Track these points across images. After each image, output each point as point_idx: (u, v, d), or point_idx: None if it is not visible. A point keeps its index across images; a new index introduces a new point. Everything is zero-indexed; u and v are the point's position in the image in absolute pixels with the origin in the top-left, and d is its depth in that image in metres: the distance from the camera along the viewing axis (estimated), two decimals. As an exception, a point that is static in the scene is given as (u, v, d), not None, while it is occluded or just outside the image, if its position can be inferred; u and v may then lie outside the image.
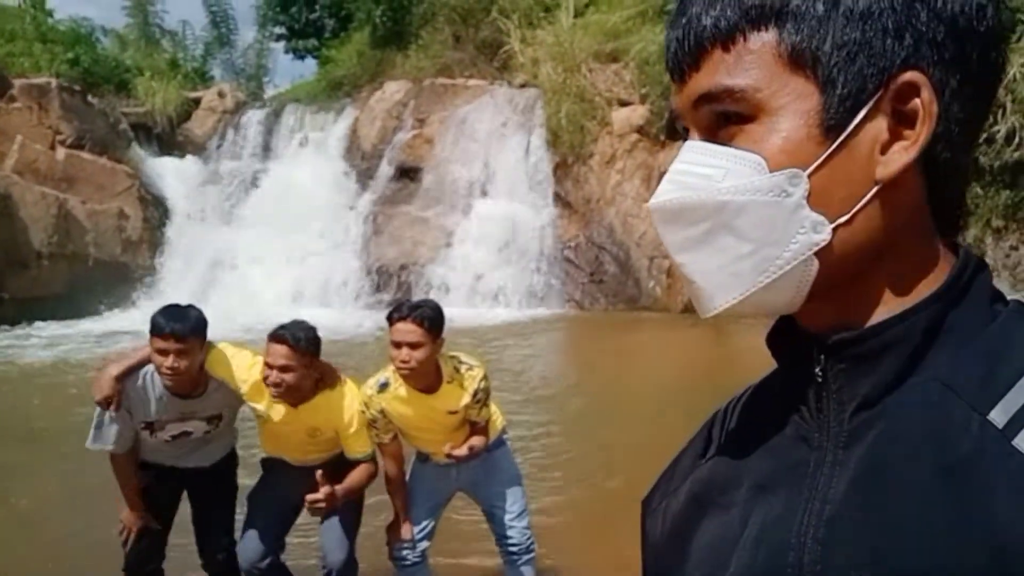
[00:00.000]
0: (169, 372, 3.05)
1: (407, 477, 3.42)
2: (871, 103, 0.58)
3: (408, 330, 3.02)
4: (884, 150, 0.58)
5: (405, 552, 3.34)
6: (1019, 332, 0.58)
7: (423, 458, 3.45)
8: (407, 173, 14.22)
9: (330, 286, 13.15)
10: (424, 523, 3.39)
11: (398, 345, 3.04)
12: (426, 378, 3.14)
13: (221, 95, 17.46)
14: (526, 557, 3.45)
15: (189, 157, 15.95)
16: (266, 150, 15.89)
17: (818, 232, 0.58)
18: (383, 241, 13.52)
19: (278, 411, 3.27)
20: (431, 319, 3.06)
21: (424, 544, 3.39)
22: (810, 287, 0.60)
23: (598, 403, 7.41)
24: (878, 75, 0.57)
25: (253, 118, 16.52)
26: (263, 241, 13.55)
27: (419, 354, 3.02)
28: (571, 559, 4.09)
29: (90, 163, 13.84)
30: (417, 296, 11.72)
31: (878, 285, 0.61)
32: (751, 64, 0.59)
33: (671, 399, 7.30)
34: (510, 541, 3.42)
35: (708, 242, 0.60)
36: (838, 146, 0.58)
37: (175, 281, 13.50)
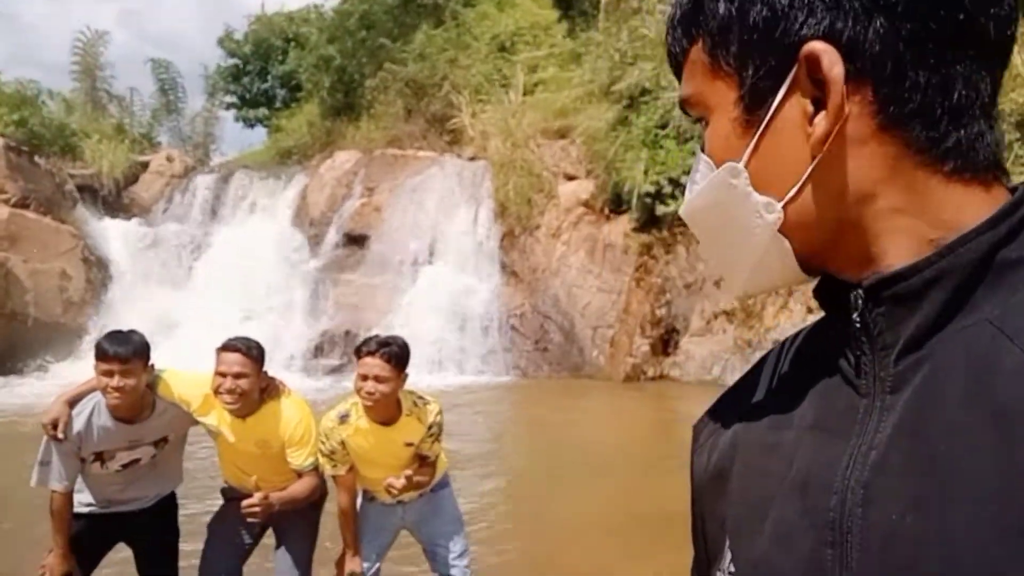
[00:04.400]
0: (115, 392, 3.12)
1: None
2: (787, 82, 0.59)
3: (375, 364, 3.17)
4: (811, 122, 0.59)
5: (354, 588, 3.39)
6: None
7: (369, 497, 3.54)
8: (355, 240, 14.40)
9: (271, 350, 13.03)
10: (371, 560, 3.47)
11: (364, 377, 3.19)
12: (388, 411, 3.28)
13: (170, 159, 17.57)
14: (466, 596, 3.54)
15: (134, 219, 15.92)
16: (213, 215, 15.94)
17: (770, 212, 0.62)
18: (328, 307, 13.57)
19: (228, 425, 3.33)
20: (397, 356, 3.22)
21: None
22: (795, 259, 0.63)
23: (540, 464, 7.53)
24: (783, 54, 0.59)
25: (201, 183, 16.60)
26: (207, 304, 13.45)
27: (384, 387, 3.18)
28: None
29: (35, 222, 13.69)
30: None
31: (884, 234, 0.59)
32: (693, 73, 0.66)
33: (607, 464, 7.47)
34: (450, 580, 3.51)
35: (711, 238, 0.68)
36: (763, 130, 0.61)
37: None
